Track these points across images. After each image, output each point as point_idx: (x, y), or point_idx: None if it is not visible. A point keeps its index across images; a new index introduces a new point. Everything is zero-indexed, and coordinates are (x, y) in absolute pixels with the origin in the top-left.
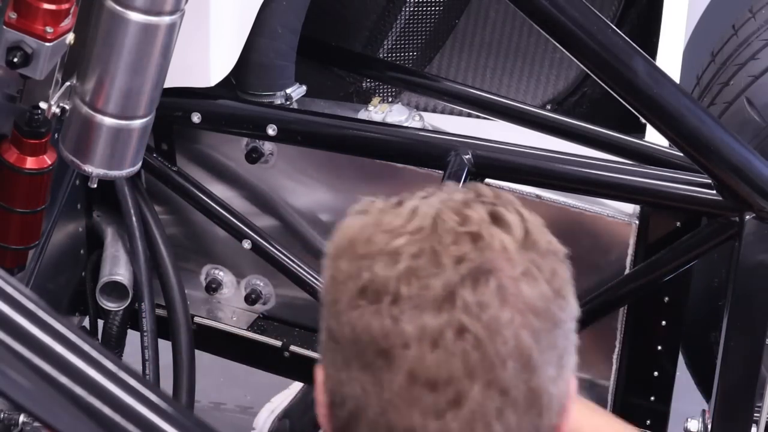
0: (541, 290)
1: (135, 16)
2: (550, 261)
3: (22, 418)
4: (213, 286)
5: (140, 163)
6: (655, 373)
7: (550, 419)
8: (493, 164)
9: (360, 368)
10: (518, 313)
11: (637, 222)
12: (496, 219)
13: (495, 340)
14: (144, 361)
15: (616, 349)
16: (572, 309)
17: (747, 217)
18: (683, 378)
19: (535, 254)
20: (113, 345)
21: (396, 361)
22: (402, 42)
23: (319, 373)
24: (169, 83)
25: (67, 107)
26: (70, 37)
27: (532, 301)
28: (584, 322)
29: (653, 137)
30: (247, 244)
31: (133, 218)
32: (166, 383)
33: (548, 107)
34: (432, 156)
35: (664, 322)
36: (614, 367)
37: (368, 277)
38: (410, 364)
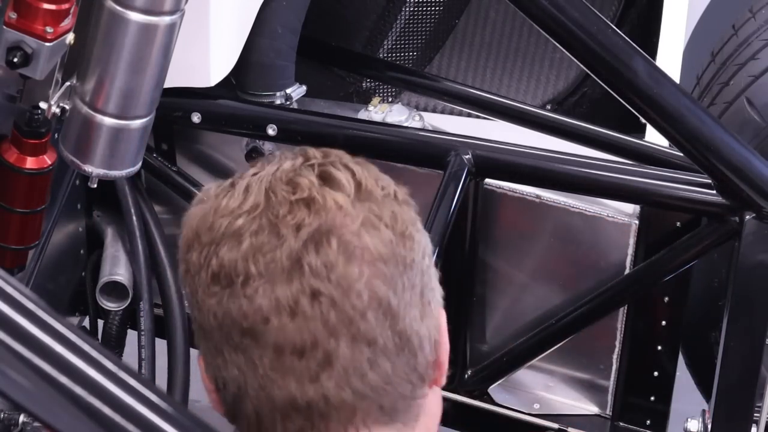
0: (383, 237)
1: (135, 16)
2: (389, 206)
3: (22, 418)
4: None
5: (140, 163)
6: (655, 373)
7: (425, 356)
8: (493, 164)
9: (231, 351)
10: (366, 264)
11: (637, 222)
12: (326, 179)
13: (349, 296)
14: (140, 360)
15: (616, 349)
16: (423, 245)
17: (747, 217)
18: (683, 378)
19: (371, 204)
20: (113, 345)
21: (261, 337)
22: (402, 42)
23: (200, 363)
24: (169, 83)
25: (67, 107)
26: (70, 37)
27: (378, 250)
28: (584, 322)
29: (653, 137)
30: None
31: (133, 218)
32: (164, 383)
33: (548, 107)
34: (432, 156)
35: (664, 322)
36: (614, 367)
37: (217, 263)
38: (274, 337)
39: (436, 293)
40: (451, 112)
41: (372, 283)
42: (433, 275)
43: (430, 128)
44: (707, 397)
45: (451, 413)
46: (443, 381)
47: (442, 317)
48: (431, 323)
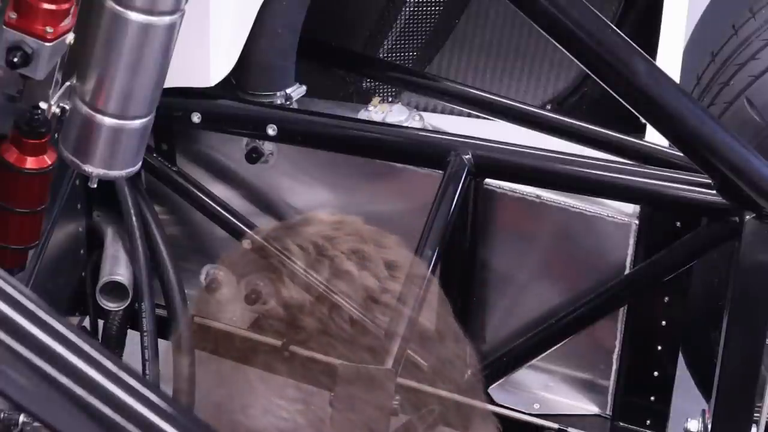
0: None
1: (135, 16)
2: None
3: (22, 418)
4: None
5: (140, 163)
6: (655, 373)
7: None
8: (493, 164)
9: None
10: None
11: (637, 222)
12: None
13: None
14: (144, 361)
15: (616, 349)
16: None
17: (747, 217)
18: (683, 378)
19: None
20: (113, 345)
21: None
22: (402, 42)
23: None
24: (169, 83)
25: (67, 107)
26: (70, 37)
27: None
28: (584, 322)
29: (653, 137)
30: (247, 244)
31: (133, 218)
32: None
33: (548, 107)
34: (432, 156)
35: (664, 322)
36: (614, 367)
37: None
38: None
39: None
40: (451, 112)
41: None
42: None
43: (430, 128)
44: (707, 397)
45: None
46: None
47: None
48: None
